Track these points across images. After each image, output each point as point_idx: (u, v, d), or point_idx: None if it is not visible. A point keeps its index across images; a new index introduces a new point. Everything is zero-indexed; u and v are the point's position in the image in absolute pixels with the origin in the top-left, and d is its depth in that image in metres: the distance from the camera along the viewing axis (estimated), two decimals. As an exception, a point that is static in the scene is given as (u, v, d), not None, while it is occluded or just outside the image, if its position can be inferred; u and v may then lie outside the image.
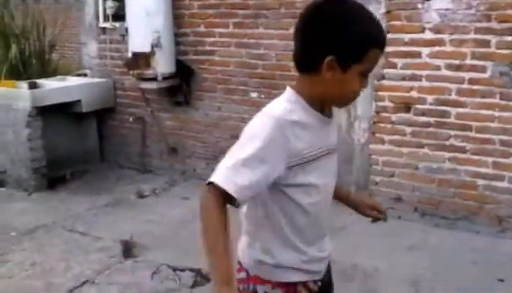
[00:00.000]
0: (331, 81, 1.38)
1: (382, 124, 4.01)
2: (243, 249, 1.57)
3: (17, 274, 3.27)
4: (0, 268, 3.35)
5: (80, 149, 5.24)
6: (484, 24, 3.56)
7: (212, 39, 4.67)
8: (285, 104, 1.42)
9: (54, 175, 4.81)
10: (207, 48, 4.71)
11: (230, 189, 1.31)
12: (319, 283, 1.60)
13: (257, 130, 1.37)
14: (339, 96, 1.44)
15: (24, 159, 4.64)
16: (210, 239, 1.33)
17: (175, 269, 3.25)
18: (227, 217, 1.34)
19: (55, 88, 4.97)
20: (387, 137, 4.00)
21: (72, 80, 5.30)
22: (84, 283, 3.14)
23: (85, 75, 5.45)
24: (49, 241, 3.72)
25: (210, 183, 1.34)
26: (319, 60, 1.36)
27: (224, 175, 1.33)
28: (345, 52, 1.35)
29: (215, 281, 1.31)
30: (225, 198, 1.33)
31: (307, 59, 1.41)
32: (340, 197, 1.74)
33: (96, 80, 5.30)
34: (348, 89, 1.41)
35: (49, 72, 5.73)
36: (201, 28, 4.71)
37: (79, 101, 4.97)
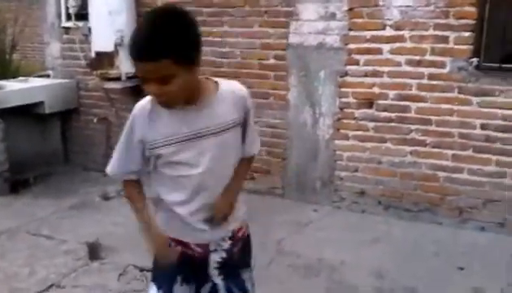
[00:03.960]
0: None
1: (346, 120, 4.07)
2: None
3: (-21, 281, 3.20)
4: (-39, 274, 3.28)
5: (44, 151, 5.16)
6: (443, 21, 3.65)
7: (176, 38, 4.65)
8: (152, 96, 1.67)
9: (17, 178, 4.71)
10: (171, 47, 4.69)
11: (121, 176, 1.87)
12: (219, 254, 1.82)
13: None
14: None
15: (-14, 163, 4.54)
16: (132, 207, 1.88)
17: (142, 270, 3.23)
18: (133, 188, 1.87)
19: (17, 89, 4.87)
20: (351, 133, 4.07)
21: (35, 82, 5.20)
22: (49, 287, 3.10)
23: (48, 76, 5.36)
24: (12, 246, 3.65)
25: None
26: None
27: (112, 165, 1.86)
28: None
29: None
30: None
31: None
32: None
33: (59, 80, 5.21)
34: None
35: (10, 72, 5.62)
36: (165, 27, 4.68)
37: (42, 102, 4.89)
